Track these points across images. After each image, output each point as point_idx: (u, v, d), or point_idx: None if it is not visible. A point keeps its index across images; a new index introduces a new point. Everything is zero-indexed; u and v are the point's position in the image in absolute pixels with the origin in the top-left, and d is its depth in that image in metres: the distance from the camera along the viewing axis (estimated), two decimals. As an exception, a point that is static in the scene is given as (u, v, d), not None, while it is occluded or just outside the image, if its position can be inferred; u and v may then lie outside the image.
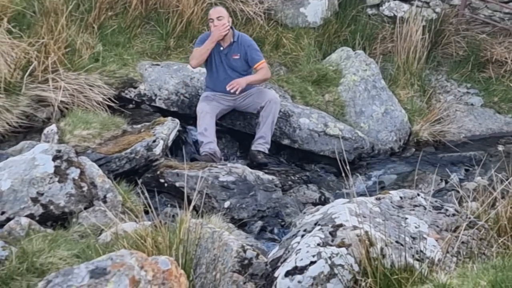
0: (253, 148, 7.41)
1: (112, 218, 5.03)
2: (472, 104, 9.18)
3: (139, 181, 6.35)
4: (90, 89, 7.35)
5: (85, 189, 5.41)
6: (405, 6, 9.94)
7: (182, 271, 3.59)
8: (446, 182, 7.33)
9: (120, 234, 4.56)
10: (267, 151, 7.43)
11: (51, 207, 5.25)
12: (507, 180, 4.68)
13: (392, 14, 10.01)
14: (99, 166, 5.92)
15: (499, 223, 4.39)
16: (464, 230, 4.20)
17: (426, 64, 9.39)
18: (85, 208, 5.36)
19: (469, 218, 4.43)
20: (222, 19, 7.34)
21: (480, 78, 9.44)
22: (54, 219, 5.29)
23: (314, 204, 6.69)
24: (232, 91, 7.25)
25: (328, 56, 9.00)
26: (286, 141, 7.74)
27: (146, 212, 4.98)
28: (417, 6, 9.66)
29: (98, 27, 8.15)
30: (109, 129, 6.78)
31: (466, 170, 7.84)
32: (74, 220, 5.24)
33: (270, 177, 6.77)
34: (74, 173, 5.41)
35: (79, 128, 6.57)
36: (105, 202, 5.49)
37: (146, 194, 4.63)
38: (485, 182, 6.73)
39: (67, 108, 7.18)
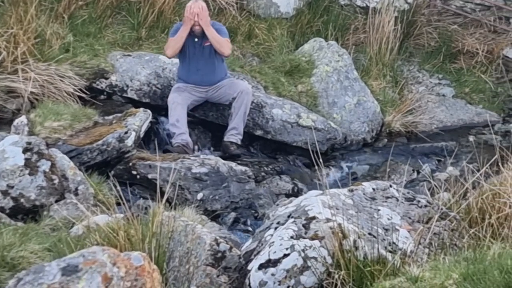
0: (225, 139, 7.39)
1: (84, 211, 5.00)
2: (443, 95, 9.23)
3: (111, 173, 6.31)
4: (61, 80, 7.28)
5: (56, 181, 5.36)
6: (377, -3, 9.96)
7: (155, 266, 3.57)
8: (418, 173, 7.39)
9: (92, 227, 4.53)
10: (239, 142, 7.42)
11: (22, 200, 5.20)
12: (478, 171, 4.71)
13: (364, 5, 10.01)
14: (70, 158, 5.88)
15: (471, 214, 4.42)
16: (436, 221, 4.23)
17: (398, 55, 9.41)
18: (56, 201, 5.32)
19: (441, 209, 4.46)
20: (202, 8, 7.29)
21: (451, 69, 9.50)
22: (25, 212, 5.24)
23: (287, 195, 6.70)
24: (193, 14, 7.22)
25: (301, 47, 8.98)
26: (259, 132, 7.73)
27: (118, 205, 4.94)
28: (389, -3, 9.68)
29: (69, 17, 8.06)
30: (80, 120, 6.73)
31: (438, 161, 7.89)
32: (45, 213, 5.20)
33: (243, 168, 6.77)
34: (45, 165, 5.37)
35: (49, 119, 6.50)
36: (76, 194, 5.46)
37: (118, 186, 4.60)
38: (456, 173, 6.80)
39: (37, 99, 7.10)
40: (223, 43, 7.33)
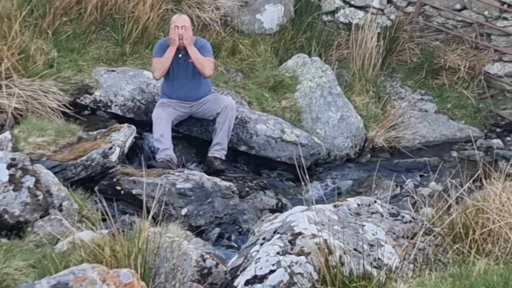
0: (210, 154, 7.40)
1: (69, 227, 4.98)
2: (426, 111, 9.30)
3: (96, 189, 6.30)
4: (45, 96, 7.27)
5: (40, 197, 5.35)
6: (360, 13, 10.03)
7: (144, 283, 3.56)
8: (402, 188, 7.42)
9: (77, 243, 4.50)
10: (224, 158, 7.43)
11: (6, 216, 5.18)
12: (461, 186, 4.75)
13: (347, 21, 10.09)
14: (55, 174, 5.87)
15: (455, 230, 4.45)
16: (421, 237, 4.25)
17: (381, 70, 9.48)
18: (41, 217, 5.30)
19: (425, 225, 4.49)
20: (185, 28, 7.29)
21: (433, 85, 9.57)
22: (9, 228, 5.22)
23: (271, 210, 6.71)
24: (179, 36, 7.25)
25: (285, 63, 9.03)
26: (243, 148, 7.75)
27: (103, 220, 4.92)
28: (372, 13, 9.75)
29: (53, 32, 8.06)
30: (64, 136, 6.71)
31: (421, 176, 7.94)
32: (29, 229, 5.18)
33: (227, 183, 6.77)
34: (29, 181, 5.35)
35: (33, 135, 6.48)
36: (61, 210, 5.44)
37: (104, 201, 4.59)
38: (439, 188, 6.83)
39: (21, 115, 7.09)
40: (205, 64, 7.34)
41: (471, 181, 4.69)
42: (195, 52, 7.31)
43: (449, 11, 9.69)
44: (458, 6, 9.70)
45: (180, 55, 7.37)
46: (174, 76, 7.43)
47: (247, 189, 7.20)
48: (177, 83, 7.43)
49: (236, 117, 7.61)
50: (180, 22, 7.32)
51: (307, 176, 4.28)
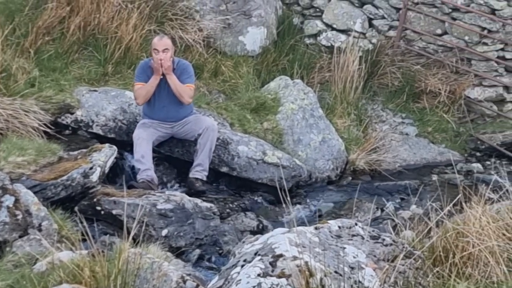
0: (191, 175, 7.39)
1: (48, 247, 4.94)
2: (407, 134, 9.35)
3: (76, 209, 6.26)
4: (26, 115, 7.23)
5: (19, 217, 5.30)
6: (342, 37, 10.11)
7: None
8: (382, 211, 7.44)
9: (56, 263, 4.46)
10: (205, 179, 7.42)
11: (-16, 235, 5.12)
12: (441, 209, 4.77)
13: (329, 44, 10.17)
14: (35, 193, 5.82)
15: (435, 253, 4.47)
16: (401, 260, 4.26)
17: (363, 93, 9.53)
18: (20, 237, 5.25)
19: (406, 248, 4.50)
20: (167, 51, 7.29)
21: (414, 108, 9.63)
22: (-13, 248, 5.15)
23: (252, 232, 6.70)
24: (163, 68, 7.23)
25: (267, 85, 9.07)
26: (224, 169, 7.74)
27: (83, 241, 4.89)
28: (354, 37, 9.84)
29: (35, 52, 8.04)
30: (45, 155, 6.67)
31: (402, 199, 7.97)
32: (8, 249, 5.12)
33: (208, 204, 6.75)
34: (8, 200, 5.31)
35: (13, 154, 6.43)
36: (40, 230, 5.39)
37: (84, 222, 4.56)
38: (420, 211, 6.85)
39: (1, 134, 7.04)
40: (183, 92, 7.34)
41: (451, 204, 4.72)
42: (173, 81, 7.32)
43: (430, 35, 9.79)
44: (439, 31, 9.81)
45: (161, 77, 7.37)
46: (155, 97, 7.42)
47: (228, 210, 7.20)
48: (158, 104, 7.42)
49: (218, 138, 7.61)
50: (161, 46, 7.29)
51: (288, 198, 4.28)
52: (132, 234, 4.22)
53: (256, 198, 7.72)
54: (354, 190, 7.45)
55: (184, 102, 7.40)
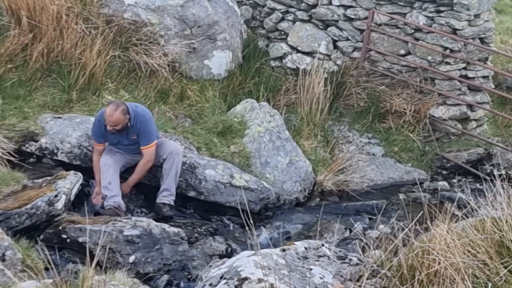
0: (158, 200, 7.36)
1: (11, 277, 4.86)
2: (373, 154, 9.40)
3: (40, 238, 6.19)
4: (-11, 143, 7.15)
5: (-18, 247, 5.21)
6: (307, 59, 10.18)
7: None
8: (350, 231, 7.45)
9: (19, 293, 4.40)
10: (172, 203, 7.39)
11: None
12: (407, 228, 4.79)
13: (295, 66, 10.22)
14: (-2, 222, 5.74)
15: (401, 271, 4.48)
16: (367, 279, 4.27)
17: (329, 115, 9.58)
18: (-18, 267, 5.15)
19: (372, 267, 4.51)
20: (117, 126, 7.19)
21: (380, 128, 9.69)
22: (-51, 279, 5.05)
23: (221, 256, 6.67)
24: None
25: (233, 108, 9.07)
26: (192, 193, 7.71)
27: (47, 270, 4.82)
28: (319, 59, 9.90)
29: (-3, 80, 7.97)
30: (9, 184, 6.61)
31: (370, 219, 7.99)
32: (-30, 280, 5.02)
33: (176, 229, 6.72)
34: (-30, 231, 5.22)
35: (-23, 184, 6.35)
36: (3, 260, 5.31)
37: (46, 251, 4.51)
38: (387, 230, 6.87)
39: (-36, 163, 6.94)
40: (147, 166, 7.38)
41: (414, 222, 4.74)
42: (132, 181, 7.41)
43: (393, 56, 9.88)
44: (402, 52, 9.91)
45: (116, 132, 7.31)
46: (116, 143, 7.42)
47: (196, 235, 7.16)
48: (119, 146, 7.41)
49: (185, 163, 7.58)
50: (112, 123, 7.13)
51: (251, 221, 4.27)
52: (95, 260, 4.18)
53: (224, 222, 7.70)
54: (323, 211, 7.46)
55: (148, 166, 7.43)
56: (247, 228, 7.32)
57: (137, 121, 7.28)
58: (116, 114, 7.10)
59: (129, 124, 7.26)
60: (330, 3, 10.18)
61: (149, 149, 7.32)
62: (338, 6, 10.15)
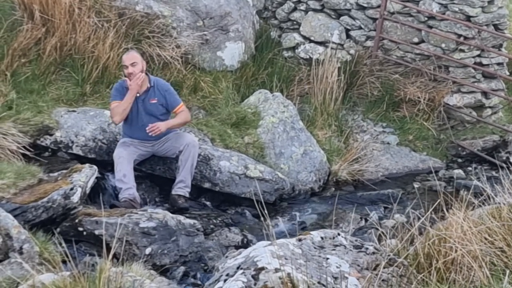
0: (173, 192, 7.36)
1: (29, 270, 4.88)
2: (388, 143, 9.37)
3: (57, 231, 6.21)
4: (4, 138, 7.18)
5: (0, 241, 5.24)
6: (320, 48, 10.15)
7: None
8: (366, 221, 7.44)
9: (37, 286, 4.42)
10: (187, 195, 7.39)
11: (-36, 261, 5.06)
12: (423, 216, 4.78)
13: (308, 57, 10.20)
14: (15, 216, 5.76)
15: (418, 259, 4.47)
16: (384, 267, 4.26)
17: (343, 104, 9.55)
18: (0, 261, 5.20)
19: (389, 255, 4.50)
20: (136, 65, 7.27)
21: (395, 117, 9.66)
22: (-33, 273, 5.09)
23: (237, 247, 6.67)
24: (151, 134, 7.22)
25: (247, 99, 9.06)
26: (207, 185, 7.72)
27: (64, 262, 4.85)
28: (332, 48, 9.87)
29: (11, 74, 8.00)
30: (24, 178, 6.63)
31: (385, 208, 7.96)
32: (-12, 274, 5.06)
33: (192, 221, 6.72)
34: (-13, 225, 5.25)
35: (-8, 178, 6.39)
36: (21, 253, 5.34)
37: (64, 243, 4.52)
38: (403, 219, 6.86)
39: (-21, 158, 6.98)
40: (186, 119, 7.54)
41: (430, 210, 4.72)
42: (170, 124, 7.41)
43: (407, 44, 9.83)
44: (416, 40, 9.86)
45: (138, 94, 7.34)
46: (133, 117, 7.38)
47: (212, 226, 7.16)
48: (136, 124, 7.38)
49: (199, 154, 7.59)
50: (128, 60, 7.31)
51: (265, 211, 4.27)
52: (112, 252, 4.19)
53: (239, 213, 7.70)
54: (338, 201, 7.44)
55: (188, 122, 7.63)
56: (262, 218, 7.38)
57: (156, 83, 7.46)
58: (132, 52, 7.50)
59: (148, 85, 7.36)
60: (342, -8, 10.15)
61: (181, 108, 7.48)
62: (350, -5, 10.12)
